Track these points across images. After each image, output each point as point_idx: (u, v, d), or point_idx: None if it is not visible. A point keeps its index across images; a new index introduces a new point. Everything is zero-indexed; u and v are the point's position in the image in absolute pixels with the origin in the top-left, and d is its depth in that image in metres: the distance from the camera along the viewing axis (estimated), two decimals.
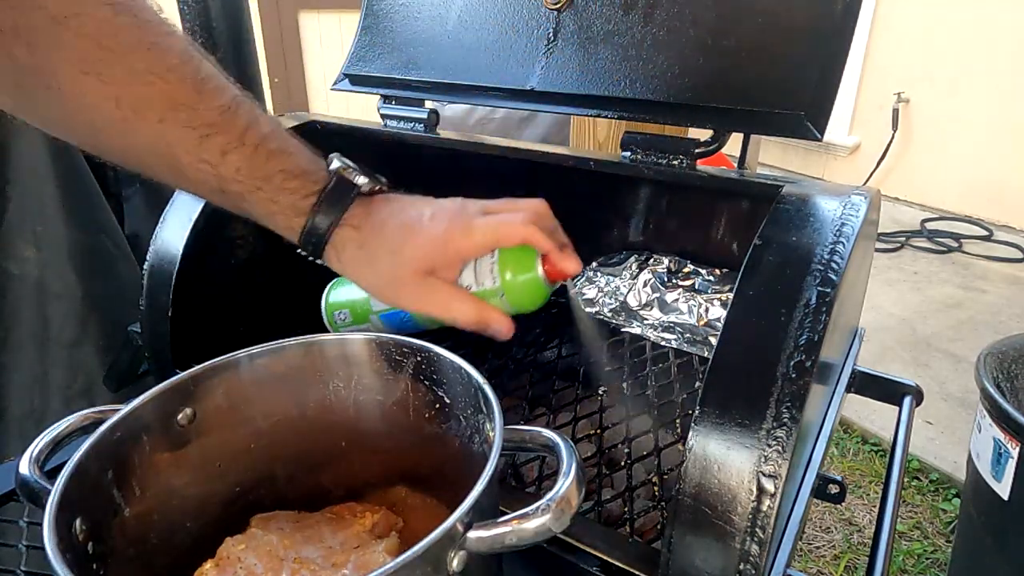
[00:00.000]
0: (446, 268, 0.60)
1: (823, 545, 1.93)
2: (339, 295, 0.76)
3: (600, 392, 0.88)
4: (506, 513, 0.41)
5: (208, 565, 0.51)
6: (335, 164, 0.61)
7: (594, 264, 1.04)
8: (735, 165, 0.81)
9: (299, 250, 0.62)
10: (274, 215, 0.59)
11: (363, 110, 1.17)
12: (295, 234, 0.59)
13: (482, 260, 0.62)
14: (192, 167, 0.55)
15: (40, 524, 0.40)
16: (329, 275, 0.68)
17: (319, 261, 0.63)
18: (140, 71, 0.51)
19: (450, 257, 0.60)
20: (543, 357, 0.98)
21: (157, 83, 0.52)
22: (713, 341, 0.80)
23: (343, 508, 0.60)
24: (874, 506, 2.03)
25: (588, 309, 1.00)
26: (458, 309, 0.61)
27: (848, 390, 0.84)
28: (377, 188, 0.62)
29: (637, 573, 0.56)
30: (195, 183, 0.57)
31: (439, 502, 0.61)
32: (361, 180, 0.60)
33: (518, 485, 0.77)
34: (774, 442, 0.48)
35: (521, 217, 0.60)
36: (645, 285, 0.97)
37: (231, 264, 0.95)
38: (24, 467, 0.48)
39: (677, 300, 0.94)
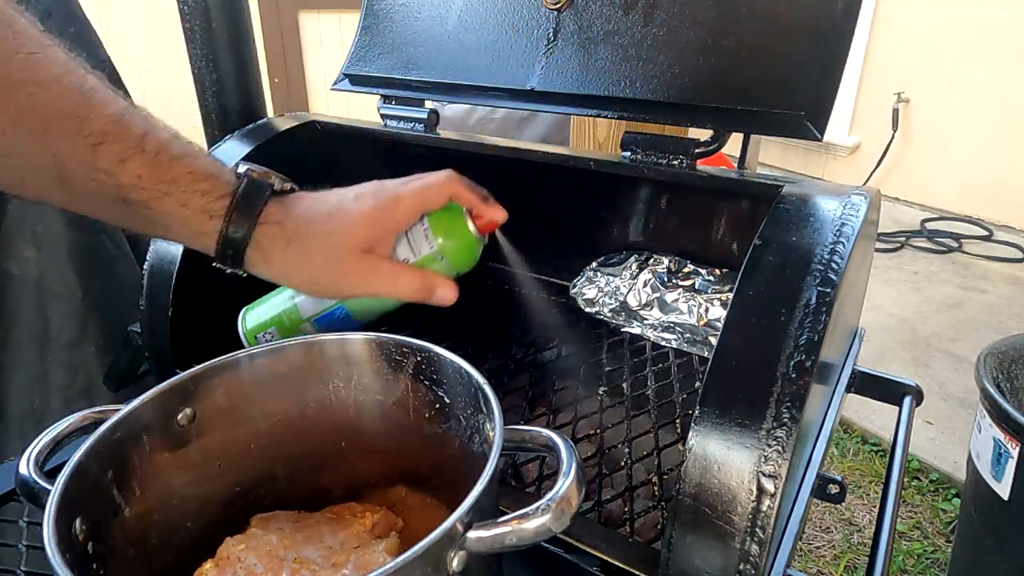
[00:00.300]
0: (382, 243, 0.60)
1: (823, 545, 1.93)
2: (259, 316, 0.72)
3: (600, 392, 0.88)
4: (506, 513, 0.41)
5: (208, 565, 0.51)
6: (242, 167, 0.59)
7: (594, 264, 1.04)
8: (735, 165, 0.81)
9: (215, 263, 0.58)
10: (186, 221, 0.55)
11: (363, 110, 1.17)
12: (211, 240, 0.56)
13: (413, 230, 0.62)
14: (85, 179, 0.51)
15: (40, 524, 0.40)
16: None
17: (239, 271, 0.59)
18: (17, 81, 0.48)
19: (385, 231, 0.60)
20: (543, 357, 0.98)
21: (38, 93, 0.48)
22: (713, 341, 0.80)
23: (343, 508, 0.60)
24: (874, 506, 2.03)
25: (588, 309, 1.00)
26: (405, 281, 0.60)
27: (848, 390, 0.84)
28: (288, 187, 0.60)
29: (637, 573, 0.56)
30: (89, 196, 0.52)
31: (439, 502, 0.61)
32: (273, 179, 0.59)
33: (518, 485, 0.77)
34: (774, 442, 0.48)
35: (442, 178, 0.62)
36: (645, 285, 0.97)
37: None
38: (24, 467, 0.48)
39: (677, 300, 0.94)
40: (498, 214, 0.65)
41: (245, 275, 0.60)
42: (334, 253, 0.58)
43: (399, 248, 0.62)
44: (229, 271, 0.59)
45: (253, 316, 0.72)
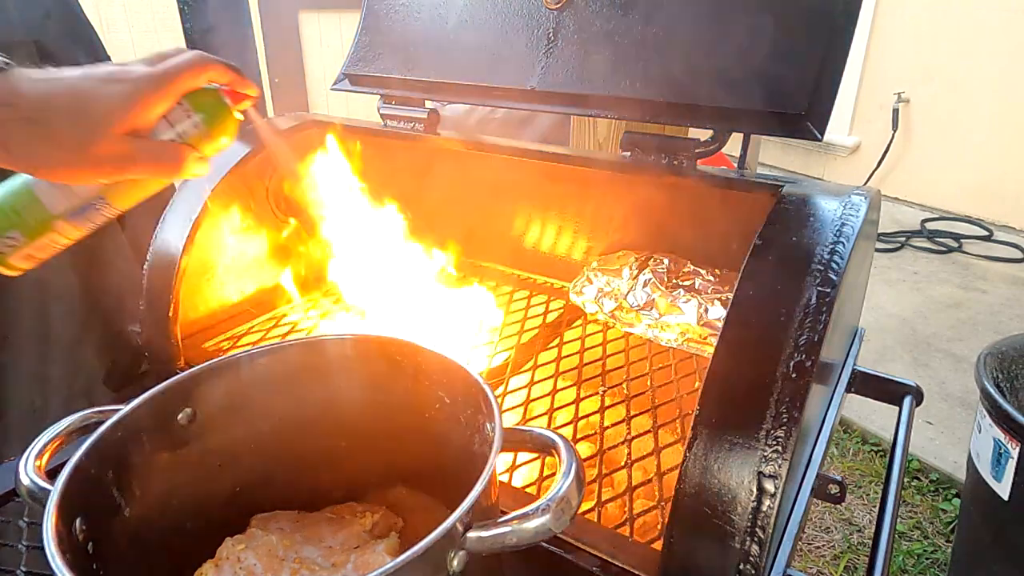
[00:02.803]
0: (144, 124, 0.57)
1: (823, 545, 1.93)
2: None
3: (600, 392, 0.88)
4: (506, 513, 0.41)
5: (208, 565, 0.51)
6: None
7: (594, 264, 1.04)
8: (735, 165, 0.81)
9: None
10: None
11: (363, 110, 1.17)
12: None
13: (174, 111, 0.60)
14: None
15: (40, 524, 0.40)
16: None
17: None
18: None
19: (148, 111, 0.56)
20: (543, 357, 0.98)
21: None
22: (713, 341, 0.80)
23: (343, 508, 0.60)
24: (874, 506, 2.02)
25: (588, 309, 1.00)
26: (172, 162, 0.58)
27: (848, 390, 0.84)
28: (2, 62, 0.53)
29: (637, 573, 0.56)
30: None
31: (439, 502, 0.61)
32: None
33: (518, 485, 0.77)
34: (774, 442, 0.48)
35: (196, 58, 0.59)
36: (645, 285, 0.97)
37: (231, 264, 0.95)
38: (24, 467, 0.48)
39: (677, 300, 0.94)
40: (252, 87, 0.64)
41: None
42: (91, 134, 0.53)
43: (160, 129, 0.59)
44: None
45: None
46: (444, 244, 1.24)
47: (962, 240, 3.81)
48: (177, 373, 0.55)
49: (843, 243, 0.55)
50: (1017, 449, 1.26)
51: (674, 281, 0.97)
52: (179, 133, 0.61)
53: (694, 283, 0.96)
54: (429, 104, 0.96)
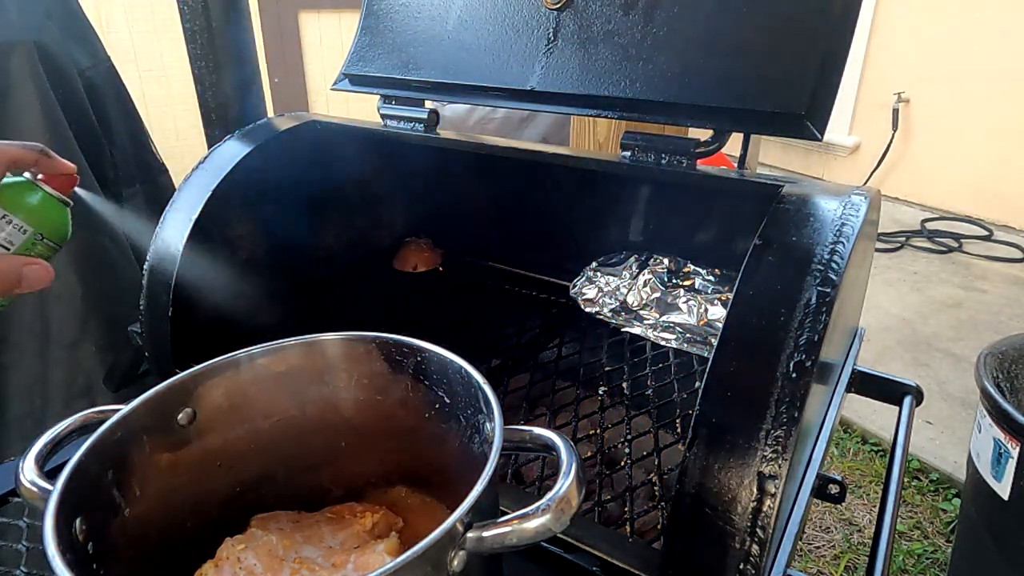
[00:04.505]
0: None
1: (823, 545, 1.93)
2: None
3: (600, 392, 0.88)
4: (506, 513, 0.41)
5: (208, 565, 0.51)
6: None
7: (594, 264, 1.04)
8: (735, 165, 0.81)
9: None
10: None
11: (363, 110, 1.17)
12: None
13: None
14: None
15: (40, 524, 0.40)
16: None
17: None
18: None
19: None
20: (543, 357, 0.98)
21: None
22: (713, 341, 0.80)
23: (343, 508, 0.60)
24: (874, 506, 2.03)
25: (588, 309, 1.00)
26: (2, 279, 0.53)
27: (848, 390, 0.84)
28: None
29: (637, 573, 0.56)
30: None
31: (439, 502, 0.61)
32: None
33: (518, 485, 0.77)
34: (774, 442, 0.48)
35: None
36: (645, 285, 0.97)
37: (231, 264, 0.95)
38: (24, 467, 0.48)
39: (677, 300, 0.94)
40: (66, 165, 0.57)
41: None
42: None
43: None
44: None
45: None
46: (444, 244, 1.24)
47: (962, 240, 3.81)
48: (177, 373, 0.55)
49: (843, 243, 0.55)
50: (1017, 449, 1.26)
51: (674, 281, 0.97)
52: (10, 244, 0.55)
53: (694, 283, 0.96)
54: (429, 104, 0.96)
